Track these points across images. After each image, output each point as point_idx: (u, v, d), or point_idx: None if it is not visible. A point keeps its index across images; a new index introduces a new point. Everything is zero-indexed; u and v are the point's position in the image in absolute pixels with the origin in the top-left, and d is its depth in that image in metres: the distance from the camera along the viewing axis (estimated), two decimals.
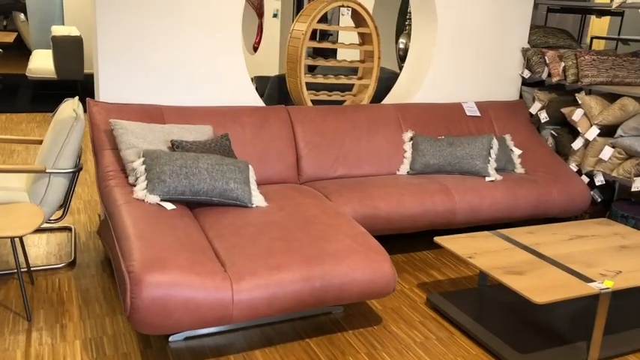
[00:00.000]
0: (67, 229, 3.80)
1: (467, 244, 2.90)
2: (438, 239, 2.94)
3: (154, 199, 2.78)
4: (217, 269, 2.37)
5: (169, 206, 2.80)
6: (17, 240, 3.30)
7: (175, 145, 3.11)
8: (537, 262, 2.71)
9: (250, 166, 3.12)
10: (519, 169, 4.07)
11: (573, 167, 4.14)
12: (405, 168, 3.90)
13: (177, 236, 2.52)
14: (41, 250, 3.44)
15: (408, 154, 3.93)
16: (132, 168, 2.97)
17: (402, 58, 6.83)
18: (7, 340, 2.54)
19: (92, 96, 3.60)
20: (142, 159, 2.93)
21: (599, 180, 3.97)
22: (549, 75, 4.34)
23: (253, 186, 3.07)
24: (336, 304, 2.61)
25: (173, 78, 3.57)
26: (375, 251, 2.67)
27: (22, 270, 3.19)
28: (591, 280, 2.55)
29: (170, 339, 2.60)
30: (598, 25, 7.13)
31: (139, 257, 2.30)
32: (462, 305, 2.96)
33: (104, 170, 3.06)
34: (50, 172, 3.06)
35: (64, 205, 3.23)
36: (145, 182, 2.85)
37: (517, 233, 3.10)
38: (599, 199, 4.19)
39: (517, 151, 4.13)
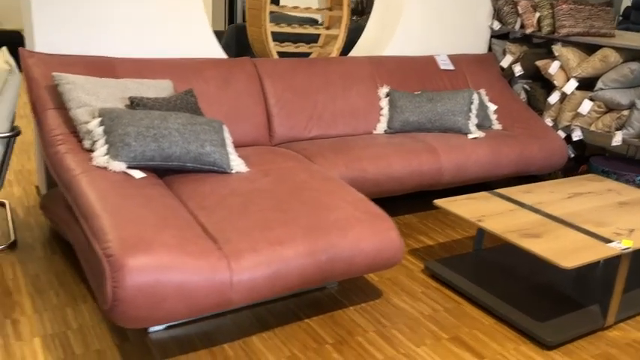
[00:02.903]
0: (0, 204, 3.25)
1: (470, 206, 2.68)
2: (439, 202, 2.70)
3: (118, 166, 2.34)
4: (210, 247, 2.01)
5: (138, 174, 2.37)
6: None
7: (135, 103, 2.65)
8: (549, 224, 2.53)
9: (225, 127, 2.73)
10: (496, 126, 3.89)
11: (548, 122, 4.01)
12: (382, 126, 3.61)
13: (156, 210, 2.12)
14: None
15: (385, 112, 3.64)
16: (86, 130, 2.50)
17: (355, 11, 6.49)
18: None
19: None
20: (98, 119, 2.47)
21: (576, 135, 3.86)
22: (522, 26, 4.15)
23: (230, 149, 2.68)
24: (342, 279, 2.32)
25: (123, 26, 3.07)
26: (380, 219, 2.38)
27: None
28: (609, 241, 2.39)
29: (150, 329, 2.22)
30: None
31: (116, 237, 1.89)
32: (463, 272, 2.76)
33: (50, 134, 2.57)
34: None
35: None
36: (106, 147, 2.40)
37: (515, 193, 2.91)
38: (572, 155, 4.11)
39: (492, 107, 3.94)
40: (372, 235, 2.30)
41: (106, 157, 2.37)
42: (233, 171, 2.62)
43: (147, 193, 2.23)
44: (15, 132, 2.63)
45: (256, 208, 2.28)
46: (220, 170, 2.58)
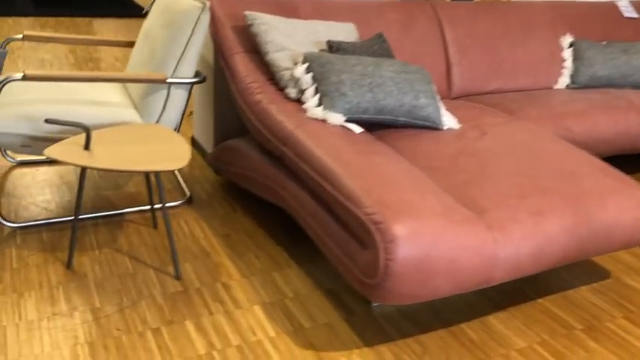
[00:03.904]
0: None
1: None
2: None
3: (337, 118, 2.08)
4: (472, 216, 1.73)
5: (357, 129, 2.10)
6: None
7: (334, 47, 2.37)
8: None
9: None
10: None
11: None
12: (564, 80, 3.22)
13: (398, 170, 1.85)
14: (142, 185, 2.74)
15: (568, 64, 3.24)
16: (290, 77, 2.23)
17: None
18: (165, 308, 1.89)
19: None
20: (304, 65, 2.20)
21: None
22: None
23: (440, 102, 2.38)
24: (596, 256, 2.02)
25: None
26: (636, 188, 2.05)
27: (157, 207, 2.50)
28: None
29: (374, 303, 2.00)
30: None
31: (376, 201, 1.64)
32: None
33: (244, 81, 2.32)
34: (171, 82, 2.31)
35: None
36: (318, 96, 2.13)
37: None
38: None
39: None
40: (633, 206, 1.97)
41: (321, 107, 2.10)
42: (445, 127, 2.32)
43: (378, 151, 1.96)
44: (201, 77, 2.40)
45: (496, 171, 1.99)
46: (432, 126, 2.29)
